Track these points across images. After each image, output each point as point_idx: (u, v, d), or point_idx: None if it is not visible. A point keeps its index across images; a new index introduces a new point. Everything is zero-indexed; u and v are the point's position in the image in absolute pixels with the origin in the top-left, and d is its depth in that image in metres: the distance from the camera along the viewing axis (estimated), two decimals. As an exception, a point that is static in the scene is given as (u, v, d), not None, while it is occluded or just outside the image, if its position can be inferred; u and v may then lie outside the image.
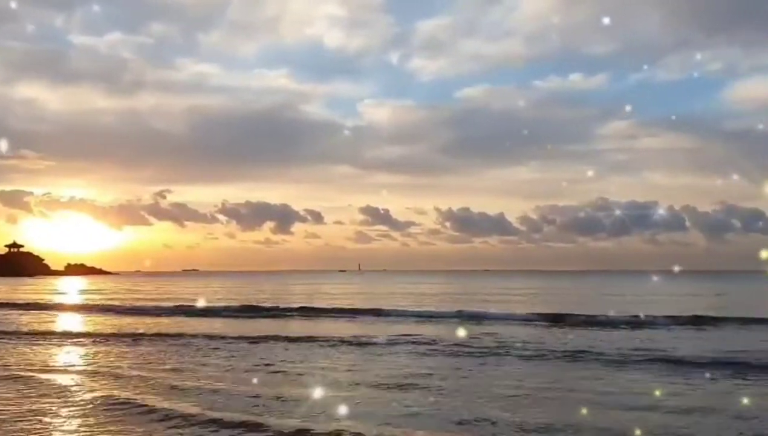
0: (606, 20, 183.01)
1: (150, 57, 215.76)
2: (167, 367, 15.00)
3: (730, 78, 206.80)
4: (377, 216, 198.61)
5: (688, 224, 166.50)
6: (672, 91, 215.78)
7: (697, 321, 25.01)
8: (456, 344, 18.78)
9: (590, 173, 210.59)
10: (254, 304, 37.50)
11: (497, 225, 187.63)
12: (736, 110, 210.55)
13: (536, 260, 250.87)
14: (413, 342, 19.39)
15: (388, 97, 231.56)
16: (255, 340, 20.30)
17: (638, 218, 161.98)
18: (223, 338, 21.10)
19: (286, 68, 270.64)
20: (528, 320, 26.76)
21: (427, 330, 23.20)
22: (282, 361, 15.85)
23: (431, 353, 17.36)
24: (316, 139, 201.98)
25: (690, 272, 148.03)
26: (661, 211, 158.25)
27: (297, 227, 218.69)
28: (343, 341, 19.69)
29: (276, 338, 20.59)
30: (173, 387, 12.30)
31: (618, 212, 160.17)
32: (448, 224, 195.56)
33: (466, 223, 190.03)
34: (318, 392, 11.59)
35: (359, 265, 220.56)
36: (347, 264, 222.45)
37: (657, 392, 11.61)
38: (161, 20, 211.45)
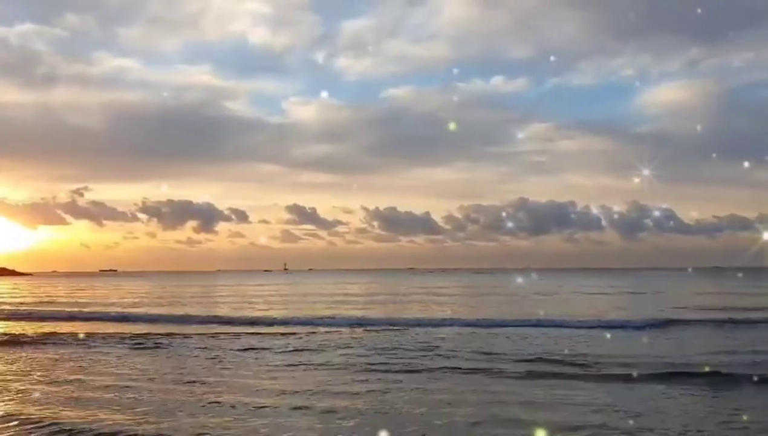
0: (525, 26, 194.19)
1: (65, 50, 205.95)
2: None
3: (641, 83, 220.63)
4: (304, 215, 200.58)
5: (603, 223, 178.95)
6: (587, 95, 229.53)
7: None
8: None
9: (510, 174, 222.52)
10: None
11: (423, 224, 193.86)
12: (646, 114, 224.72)
13: (461, 258, 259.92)
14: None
15: (313, 96, 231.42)
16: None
17: (557, 217, 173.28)
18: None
19: (209, 64, 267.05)
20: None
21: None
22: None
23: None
24: (241, 137, 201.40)
25: (607, 270, 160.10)
26: (579, 210, 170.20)
27: (221, 226, 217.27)
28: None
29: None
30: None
31: (537, 212, 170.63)
32: (375, 223, 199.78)
33: (392, 222, 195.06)
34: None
35: (285, 264, 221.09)
36: (273, 264, 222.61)
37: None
38: (77, 12, 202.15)
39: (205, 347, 18.85)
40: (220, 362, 16.13)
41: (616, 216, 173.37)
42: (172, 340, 20.76)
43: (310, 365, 15.45)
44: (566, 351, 17.02)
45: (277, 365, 15.38)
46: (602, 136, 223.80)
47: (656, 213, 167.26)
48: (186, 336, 21.73)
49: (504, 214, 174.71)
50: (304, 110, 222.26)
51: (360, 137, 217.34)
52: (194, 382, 13.07)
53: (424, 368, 14.57)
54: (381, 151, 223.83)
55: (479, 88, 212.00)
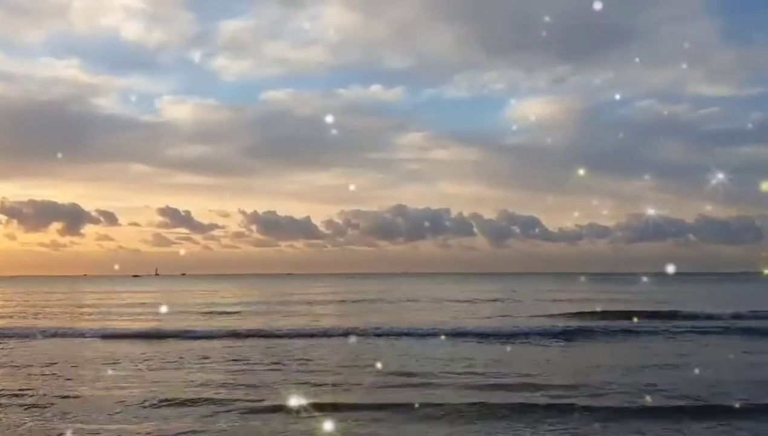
0: (403, 37, 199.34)
1: None
2: None
3: (512, 97, 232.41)
4: (177, 218, 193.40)
5: (475, 229, 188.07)
6: (461, 107, 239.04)
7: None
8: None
9: (388, 180, 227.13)
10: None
11: (303, 229, 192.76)
12: (516, 127, 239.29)
13: (341, 263, 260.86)
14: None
15: (189, 95, 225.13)
16: None
17: (432, 223, 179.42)
18: None
19: (77, 59, 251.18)
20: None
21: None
22: None
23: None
24: (110, 135, 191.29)
25: (478, 274, 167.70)
26: (453, 217, 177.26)
27: (88, 229, 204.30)
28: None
29: None
30: None
31: (414, 218, 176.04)
32: (253, 226, 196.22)
33: (272, 226, 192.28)
34: None
35: (156, 269, 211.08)
36: (144, 268, 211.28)
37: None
38: None
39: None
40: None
41: (486, 223, 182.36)
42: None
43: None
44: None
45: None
46: (474, 146, 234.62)
47: (523, 221, 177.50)
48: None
49: (382, 219, 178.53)
50: (178, 109, 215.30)
51: (238, 139, 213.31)
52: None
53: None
54: (260, 154, 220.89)
55: (358, 94, 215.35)
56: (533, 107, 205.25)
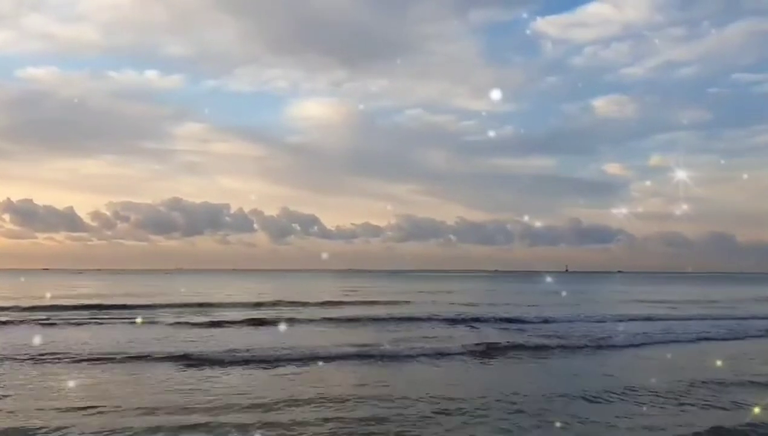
0: (183, 24, 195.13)
1: None
2: None
3: (294, 96, 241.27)
4: None
5: (256, 226, 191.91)
6: (243, 101, 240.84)
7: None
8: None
9: (165, 172, 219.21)
10: None
11: (65, 220, 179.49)
12: (297, 126, 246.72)
13: (108, 259, 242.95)
14: None
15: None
16: None
17: (211, 218, 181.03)
18: None
19: None
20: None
21: None
22: None
23: None
24: None
25: (257, 271, 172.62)
26: (233, 212, 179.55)
27: None
28: None
29: None
30: None
31: (192, 212, 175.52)
32: (6, 216, 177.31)
33: (28, 216, 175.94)
34: None
35: None
36: None
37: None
38: None
39: None
40: None
41: (267, 220, 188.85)
42: None
43: None
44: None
45: None
46: (256, 142, 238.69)
47: (303, 218, 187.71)
48: None
49: (157, 213, 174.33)
50: None
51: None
52: None
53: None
54: (16, 136, 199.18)
55: (132, 79, 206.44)
56: (313, 108, 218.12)
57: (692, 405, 10.55)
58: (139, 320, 24.34)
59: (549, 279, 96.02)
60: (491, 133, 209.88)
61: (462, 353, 16.30)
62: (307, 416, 9.52)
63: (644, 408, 10.31)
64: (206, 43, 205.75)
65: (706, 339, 21.05)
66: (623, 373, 13.84)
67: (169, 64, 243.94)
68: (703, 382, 12.43)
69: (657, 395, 11.18)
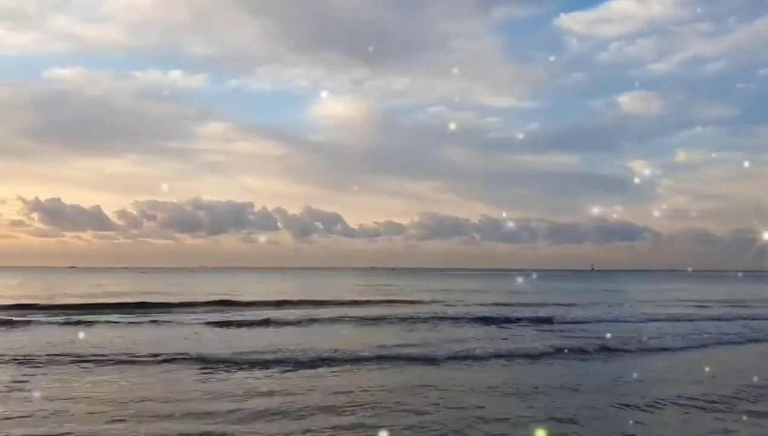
0: (205, 23, 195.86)
1: None
2: None
3: (314, 95, 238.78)
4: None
5: (279, 224, 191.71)
6: (265, 100, 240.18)
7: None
8: None
9: (188, 171, 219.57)
10: None
11: (93, 219, 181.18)
12: (318, 125, 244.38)
13: (135, 257, 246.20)
14: None
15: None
16: None
17: (235, 217, 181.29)
18: None
19: None
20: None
21: None
22: None
23: None
24: None
25: (281, 269, 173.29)
26: (256, 211, 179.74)
27: None
28: None
29: None
30: None
31: (216, 211, 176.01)
32: (34, 215, 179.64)
33: (56, 215, 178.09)
34: None
35: None
36: None
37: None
38: None
39: None
40: None
41: (290, 218, 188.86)
42: None
43: None
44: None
45: None
46: (278, 141, 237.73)
47: (326, 217, 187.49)
48: None
49: (182, 211, 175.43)
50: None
51: (16, 119, 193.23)
52: None
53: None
54: (42, 136, 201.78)
55: (156, 79, 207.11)
56: (334, 106, 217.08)
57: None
58: (166, 318, 23.93)
59: (576, 278, 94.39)
60: (516, 132, 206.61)
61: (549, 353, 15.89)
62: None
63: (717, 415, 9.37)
64: (228, 43, 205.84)
65: (756, 341, 20.00)
66: (687, 377, 12.90)
67: (193, 64, 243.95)
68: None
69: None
